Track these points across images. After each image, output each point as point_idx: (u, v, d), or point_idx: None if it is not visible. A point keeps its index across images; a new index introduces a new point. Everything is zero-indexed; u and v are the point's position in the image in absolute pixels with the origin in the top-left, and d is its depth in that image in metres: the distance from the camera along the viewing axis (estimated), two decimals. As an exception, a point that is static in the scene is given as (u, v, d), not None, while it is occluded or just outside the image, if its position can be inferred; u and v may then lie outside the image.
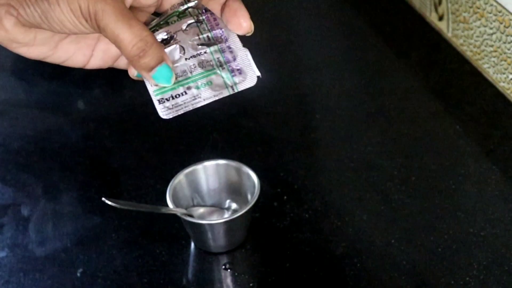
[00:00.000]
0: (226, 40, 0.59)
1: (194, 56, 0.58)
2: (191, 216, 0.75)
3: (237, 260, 0.77)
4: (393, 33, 1.08)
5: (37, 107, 1.00)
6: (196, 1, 0.60)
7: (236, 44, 0.58)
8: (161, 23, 0.60)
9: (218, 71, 0.57)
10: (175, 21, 0.60)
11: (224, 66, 0.57)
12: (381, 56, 1.04)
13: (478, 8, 0.92)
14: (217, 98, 0.57)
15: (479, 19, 0.93)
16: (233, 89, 0.57)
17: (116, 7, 0.54)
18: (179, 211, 0.74)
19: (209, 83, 0.57)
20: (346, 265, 0.75)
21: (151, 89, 0.57)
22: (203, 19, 0.59)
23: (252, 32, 0.59)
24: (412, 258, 0.75)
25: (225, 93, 0.57)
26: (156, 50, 0.55)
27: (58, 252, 0.79)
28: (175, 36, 0.59)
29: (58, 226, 0.81)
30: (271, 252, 0.78)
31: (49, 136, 0.94)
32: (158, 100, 0.57)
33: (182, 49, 0.58)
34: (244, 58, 0.58)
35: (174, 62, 0.57)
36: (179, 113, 0.57)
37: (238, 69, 0.57)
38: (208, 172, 0.79)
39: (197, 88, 0.57)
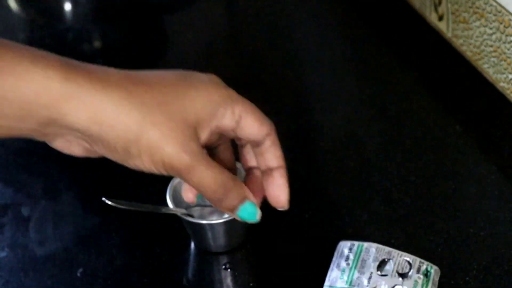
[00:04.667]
0: None
1: None
2: (191, 216, 0.75)
3: (237, 260, 0.77)
4: (393, 33, 1.08)
5: (37, 107, 1.00)
6: None
7: None
8: None
9: None
10: None
11: None
12: (381, 56, 1.04)
13: (478, 8, 0.92)
14: None
15: (479, 19, 0.93)
16: None
17: (204, 163, 0.54)
18: (179, 211, 0.74)
19: None
20: (346, 265, 0.75)
21: None
22: None
23: (286, 208, 0.62)
24: (412, 258, 0.75)
25: None
26: (237, 191, 0.56)
27: (58, 252, 0.79)
28: None
29: (58, 226, 0.81)
30: (271, 252, 0.78)
31: (49, 136, 0.94)
32: None
33: None
34: None
35: None
36: None
37: None
38: (208, 172, 0.79)
39: None
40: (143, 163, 0.53)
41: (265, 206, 0.81)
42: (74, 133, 0.53)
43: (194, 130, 0.54)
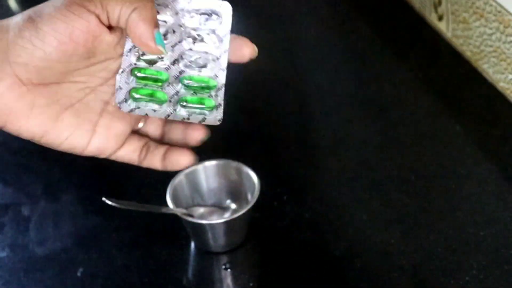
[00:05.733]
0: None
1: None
2: (191, 216, 0.75)
3: (237, 260, 0.77)
4: (393, 33, 1.08)
5: (37, 107, 1.00)
6: None
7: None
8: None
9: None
10: None
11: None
12: (381, 56, 1.04)
13: (478, 8, 0.92)
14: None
15: (479, 19, 0.93)
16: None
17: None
18: (179, 211, 0.74)
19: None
20: (346, 265, 0.75)
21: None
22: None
23: (256, 53, 0.60)
24: (412, 258, 0.75)
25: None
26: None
27: (58, 252, 0.79)
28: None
29: (58, 226, 0.82)
30: (271, 252, 0.78)
31: (49, 136, 0.94)
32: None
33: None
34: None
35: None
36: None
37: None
38: (208, 172, 0.79)
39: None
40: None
41: (264, 207, 0.81)
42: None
43: None
